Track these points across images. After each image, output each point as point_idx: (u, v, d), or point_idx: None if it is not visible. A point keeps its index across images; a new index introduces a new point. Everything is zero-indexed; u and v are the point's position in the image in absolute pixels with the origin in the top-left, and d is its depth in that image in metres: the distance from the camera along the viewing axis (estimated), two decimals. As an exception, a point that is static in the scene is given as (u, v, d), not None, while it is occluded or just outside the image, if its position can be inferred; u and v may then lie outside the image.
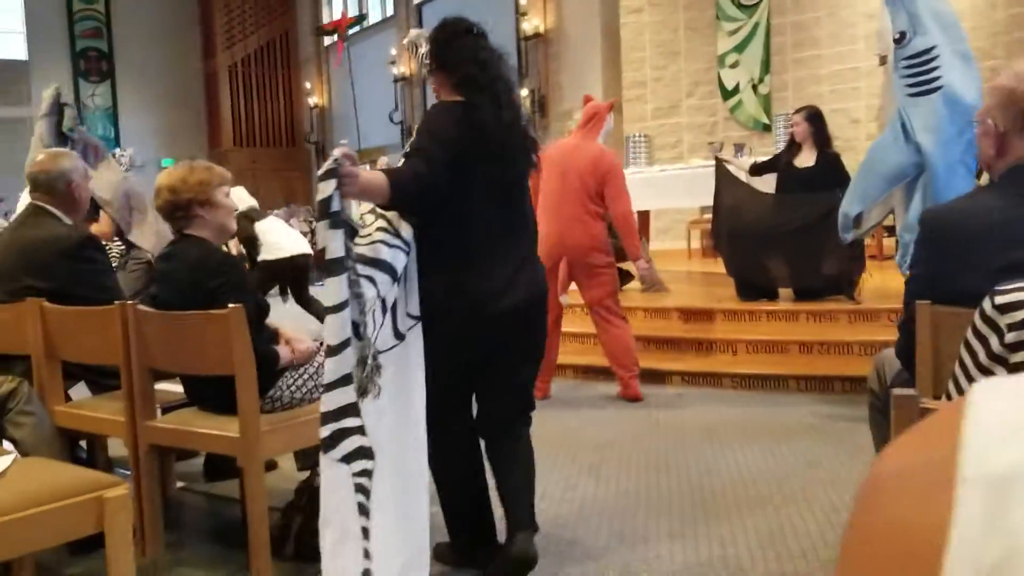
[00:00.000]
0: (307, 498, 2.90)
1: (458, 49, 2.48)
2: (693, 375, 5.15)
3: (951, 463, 0.31)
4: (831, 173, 5.93)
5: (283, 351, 2.77)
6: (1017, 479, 0.30)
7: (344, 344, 2.11)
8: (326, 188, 2.08)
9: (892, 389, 1.13)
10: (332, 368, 2.13)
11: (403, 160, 2.35)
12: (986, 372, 1.24)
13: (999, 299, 1.22)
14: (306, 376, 2.84)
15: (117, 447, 3.40)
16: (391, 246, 2.32)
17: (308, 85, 19.13)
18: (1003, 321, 1.21)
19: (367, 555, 2.19)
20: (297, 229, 14.63)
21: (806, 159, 6.02)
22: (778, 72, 9.96)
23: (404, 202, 2.28)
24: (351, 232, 2.17)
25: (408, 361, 2.39)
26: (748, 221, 5.98)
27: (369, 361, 2.15)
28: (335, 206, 2.08)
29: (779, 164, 6.19)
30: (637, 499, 3.24)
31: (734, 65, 10.15)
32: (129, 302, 2.79)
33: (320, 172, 2.11)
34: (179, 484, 3.52)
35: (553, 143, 5.32)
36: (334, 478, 2.16)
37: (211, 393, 2.73)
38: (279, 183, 17.48)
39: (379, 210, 2.37)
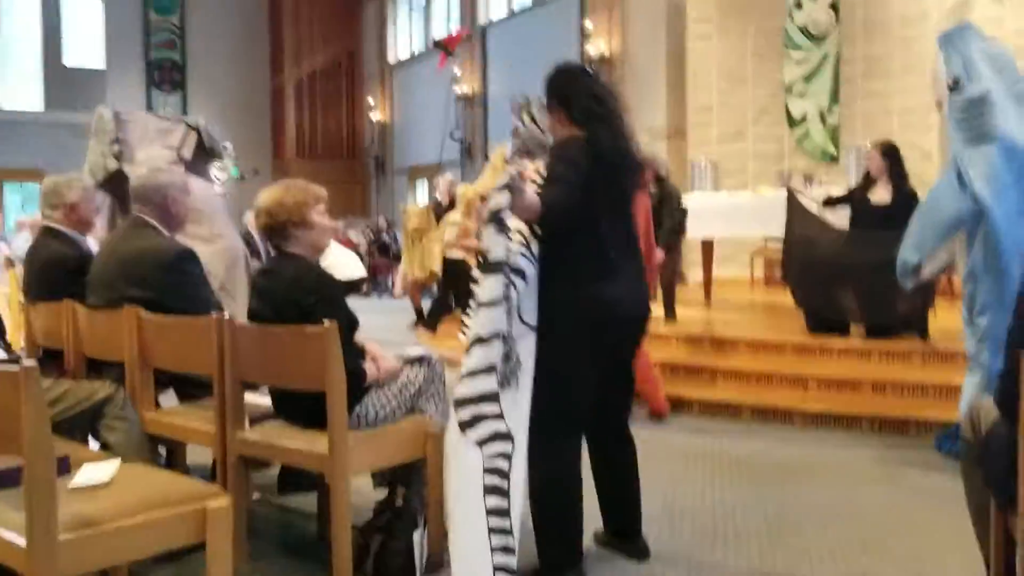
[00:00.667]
0: (387, 518, 2.92)
1: (577, 88, 2.78)
2: (763, 410, 5.07)
3: None
4: (908, 212, 5.80)
5: (370, 368, 2.81)
6: None
7: (493, 336, 2.44)
8: (500, 199, 2.38)
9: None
10: (479, 356, 2.44)
11: (545, 186, 2.59)
12: None
13: None
14: (391, 395, 2.87)
15: (194, 455, 3.46)
16: (527, 258, 2.60)
17: (371, 101, 19.42)
18: None
19: (502, 531, 2.46)
20: (356, 239, 14.86)
21: (882, 195, 5.91)
22: (847, 103, 9.83)
23: (552, 220, 2.54)
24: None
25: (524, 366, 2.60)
26: (821, 254, 5.89)
27: (513, 356, 2.48)
28: (504, 215, 2.40)
29: (853, 198, 6.10)
30: (714, 537, 3.20)
31: (802, 94, 10.05)
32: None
33: (498, 185, 2.39)
34: (255, 496, 3.56)
35: None
36: (468, 460, 2.45)
37: (300, 407, 2.77)
38: (338, 194, 17.64)
39: (517, 224, 2.59)
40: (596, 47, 12.60)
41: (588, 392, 2.69)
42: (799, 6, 9.93)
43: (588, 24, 12.86)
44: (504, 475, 2.47)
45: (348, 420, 2.64)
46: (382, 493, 3.11)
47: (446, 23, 17.68)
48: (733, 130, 10.42)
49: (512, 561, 2.48)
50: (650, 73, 11.70)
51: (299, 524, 3.42)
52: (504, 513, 2.46)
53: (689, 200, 8.34)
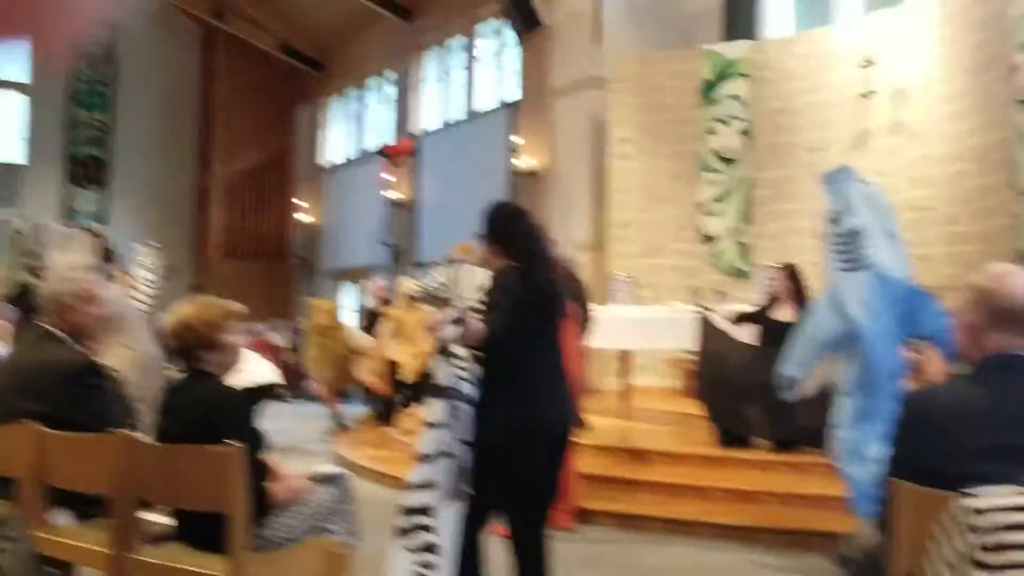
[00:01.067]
0: (287, 643, 2.85)
1: (514, 228, 3.15)
2: (671, 521, 5.14)
3: None
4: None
5: (275, 489, 2.79)
6: None
7: (437, 454, 2.76)
8: (451, 331, 2.78)
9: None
10: (422, 472, 2.78)
11: (487, 314, 2.94)
12: (951, 568, 1.31)
13: (969, 502, 1.31)
14: (295, 514, 2.85)
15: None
16: (469, 382, 2.91)
17: (301, 203, 19.54)
18: (971, 523, 1.30)
19: None
20: (278, 342, 14.66)
21: (786, 313, 6.25)
22: (759, 223, 10.35)
23: (494, 346, 2.88)
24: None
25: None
26: (729, 370, 6.17)
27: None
28: (453, 347, 2.78)
29: (760, 316, 6.41)
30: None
31: (716, 214, 10.55)
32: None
33: (447, 319, 2.80)
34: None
35: None
36: (400, 562, 2.81)
37: (201, 528, 2.72)
38: (263, 296, 17.52)
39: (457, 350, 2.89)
40: (524, 161, 13.05)
41: (499, 498, 3.02)
42: (713, 132, 10.53)
43: (517, 139, 13.35)
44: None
45: (251, 542, 2.62)
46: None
47: (380, 128, 18.11)
48: (651, 246, 10.82)
49: None
50: (575, 188, 12.14)
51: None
52: None
53: (607, 312, 8.60)
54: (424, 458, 2.77)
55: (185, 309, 2.84)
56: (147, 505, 2.89)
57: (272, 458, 3.02)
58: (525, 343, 2.94)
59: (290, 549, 2.78)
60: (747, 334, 6.62)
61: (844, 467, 3.98)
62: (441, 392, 2.81)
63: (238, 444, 2.52)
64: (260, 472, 2.80)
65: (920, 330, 4.06)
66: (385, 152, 15.53)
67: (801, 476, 5.53)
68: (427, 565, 2.78)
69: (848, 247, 4.09)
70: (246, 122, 19.72)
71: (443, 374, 2.83)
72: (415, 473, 2.78)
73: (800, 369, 4.23)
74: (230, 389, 2.82)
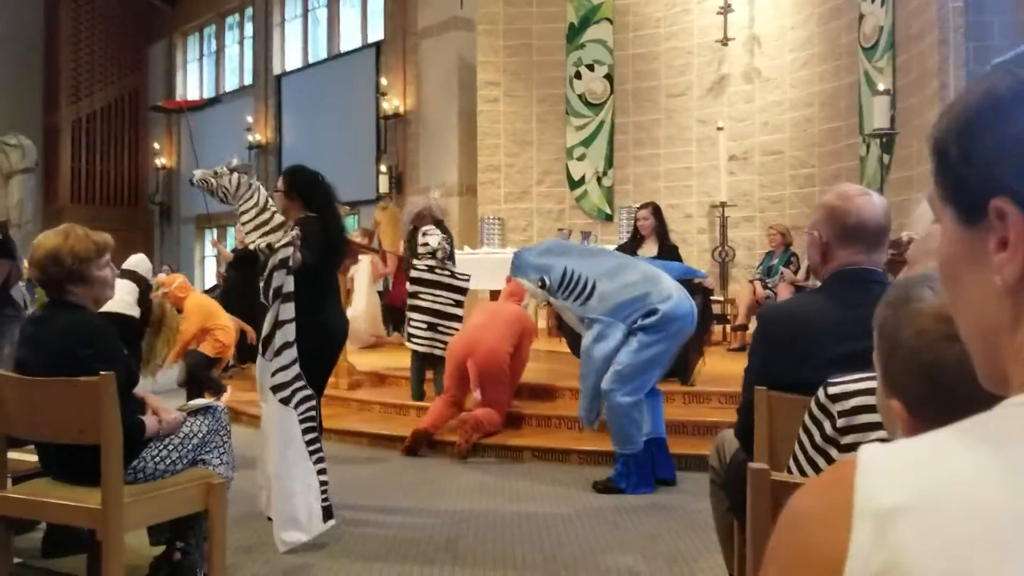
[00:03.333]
0: (164, 574, 2.85)
1: (315, 188, 4.14)
2: (543, 450, 5.35)
3: (849, 502, 0.49)
4: (671, 260, 6.48)
5: (149, 421, 2.75)
6: (894, 512, 0.48)
7: (291, 343, 3.72)
8: (288, 251, 3.68)
9: (749, 464, 1.34)
10: (288, 355, 3.71)
11: (302, 248, 3.75)
12: (821, 452, 1.48)
13: (832, 389, 1.47)
14: (171, 447, 2.82)
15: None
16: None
17: (156, 146, 18.57)
18: (835, 408, 1.46)
19: (323, 472, 3.80)
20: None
21: (649, 249, 6.54)
22: (620, 167, 10.66)
23: (307, 272, 3.82)
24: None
25: None
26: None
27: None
28: (291, 263, 3.69)
29: (624, 252, 6.66)
30: (494, 573, 3.36)
31: (581, 158, 10.78)
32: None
33: (285, 242, 3.70)
34: (16, 560, 3.32)
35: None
36: (288, 421, 3.68)
37: (70, 463, 2.66)
38: (119, 243, 16.62)
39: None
40: (391, 104, 12.87)
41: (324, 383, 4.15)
42: (578, 76, 10.71)
43: (383, 81, 13.12)
44: (315, 420, 3.83)
45: (124, 474, 2.58)
46: (159, 550, 3.03)
47: (238, 68, 17.37)
48: (519, 190, 10.97)
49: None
50: (443, 131, 12.11)
51: (66, 588, 3.23)
52: (321, 451, 3.82)
53: (477, 253, 8.71)
54: (286, 344, 3.71)
55: (52, 240, 2.68)
56: (14, 443, 2.79)
57: (144, 392, 2.97)
58: (324, 272, 4.02)
59: (165, 480, 2.76)
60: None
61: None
62: (287, 297, 3.72)
63: (108, 373, 2.46)
64: (132, 404, 2.75)
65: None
66: (163, 108, 14.91)
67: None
68: (311, 408, 3.78)
69: (571, 290, 4.68)
70: (95, 58, 18.47)
71: (288, 284, 3.72)
72: (282, 357, 3.69)
73: (591, 412, 4.72)
74: (96, 319, 2.73)
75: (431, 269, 6.24)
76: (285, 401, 3.67)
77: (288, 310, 3.69)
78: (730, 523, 2.60)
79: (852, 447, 1.44)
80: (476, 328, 5.81)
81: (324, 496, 3.75)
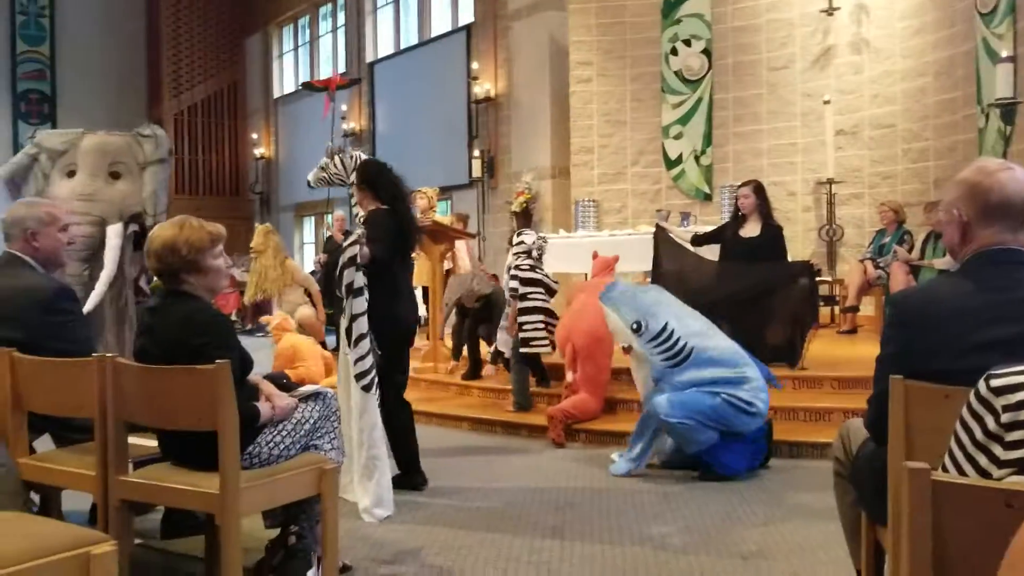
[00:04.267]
0: (280, 558, 2.89)
1: (382, 178, 4.29)
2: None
3: None
4: (774, 244, 6.25)
5: (264, 407, 2.78)
6: None
7: (366, 334, 3.93)
8: (355, 250, 3.93)
9: (906, 463, 1.23)
10: (364, 345, 3.92)
11: (369, 243, 3.98)
12: (983, 449, 1.35)
13: (995, 382, 1.34)
14: (284, 432, 2.85)
15: (69, 503, 3.32)
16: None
17: (255, 136, 19.10)
18: (998, 403, 1.33)
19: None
20: (240, 278, 14.47)
21: (752, 230, 6.31)
22: (720, 144, 10.36)
23: (376, 264, 4.02)
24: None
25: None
26: (693, 287, 6.20)
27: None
28: (359, 260, 3.94)
29: (725, 235, 6.46)
30: (602, 562, 3.30)
31: (678, 136, 10.53)
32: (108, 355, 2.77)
33: (350, 242, 3.97)
34: (137, 541, 3.44)
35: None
36: (372, 405, 3.92)
37: (188, 448, 2.71)
38: (222, 232, 17.33)
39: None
40: (482, 88, 12.85)
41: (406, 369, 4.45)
42: (674, 52, 10.44)
43: (474, 65, 13.11)
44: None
45: (240, 460, 2.61)
46: (273, 533, 3.07)
47: (332, 57, 17.65)
48: (614, 171, 10.80)
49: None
50: (535, 114, 12.01)
51: (185, 568, 3.32)
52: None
53: (573, 238, 8.62)
54: (361, 336, 3.92)
55: (168, 231, 2.73)
56: (133, 429, 2.86)
57: (255, 378, 3.01)
58: (396, 263, 4.20)
59: (280, 465, 2.79)
60: (707, 254, 6.67)
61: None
62: (358, 292, 3.94)
63: (224, 361, 2.49)
64: (247, 391, 2.78)
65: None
66: (309, 85, 15.12)
67: (770, 389, 5.65)
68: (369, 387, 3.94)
69: (664, 346, 4.51)
70: (195, 53, 19.10)
71: (357, 279, 3.93)
72: (360, 348, 3.91)
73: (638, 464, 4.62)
74: (212, 309, 2.77)
75: (532, 268, 6.08)
76: (367, 388, 3.90)
77: (360, 304, 3.93)
78: (856, 516, 2.46)
79: (1018, 444, 1.31)
80: (575, 312, 5.73)
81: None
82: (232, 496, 2.54)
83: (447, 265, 8.37)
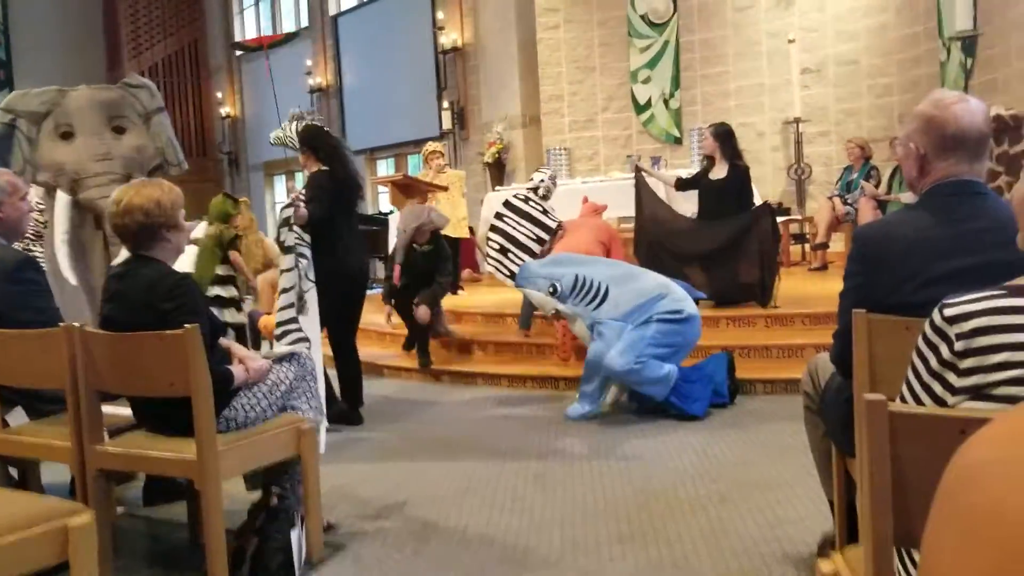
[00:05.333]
0: (263, 519, 2.91)
1: (321, 139, 4.67)
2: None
3: None
4: (741, 185, 6.29)
5: (237, 370, 2.78)
6: None
7: (290, 288, 4.13)
8: (289, 212, 4.23)
9: (865, 396, 1.26)
10: (284, 299, 4.12)
11: (308, 203, 4.31)
12: (937, 377, 1.38)
13: (948, 311, 1.36)
14: (260, 395, 2.85)
15: (48, 475, 3.32)
16: (304, 243, 4.31)
17: (219, 95, 18.73)
18: (952, 331, 1.35)
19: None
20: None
21: (719, 171, 6.35)
22: (687, 87, 10.32)
23: (318, 222, 4.35)
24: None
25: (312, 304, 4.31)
26: (667, 234, 6.32)
27: (304, 298, 4.22)
28: (292, 221, 4.21)
29: (699, 178, 6.50)
30: (584, 506, 3.35)
31: (646, 80, 10.46)
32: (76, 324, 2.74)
33: (284, 205, 4.27)
34: (119, 509, 3.45)
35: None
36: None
37: (163, 415, 2.71)
38: (190, 194, 17.03)
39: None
40: (449, 38, 12.65)
41: (354, 318, 4.81)
42: (640, -5, 10.33)
43: (440, 15, 12.89)
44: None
45: (216, 424, 2.62)
46: (256, 495, 3.09)
47: (294, 11, 17.29)
48: (584, 118, 10.74)
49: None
50: (503, 63, 11.87)
51: (169, 535, 3.34)
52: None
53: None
54: (283, 291, 4.13)
55: (150, 188, 2.71)
56: (106, 398, 2.85)
57: (227, 342, 3.00)
58: (339, 218, 4.51)
59: (257, 428, 2.80)
60: (687, 198, 6.72)
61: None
62: (288, 249, 4.20)
63: (193, 325, 2.48)
64: (219, 355, 2.78)
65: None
66: (242, 45, 14.79)
67: (744, 329, 5.74)
68: (299, 346, 3.94)
69: (583, 295, 4.74)
70: (153, 11, 18.60)
71: (288, 238, 4.20)
72: (282, 299, 4.12)
73: (590, 408, 4.73)
74: (179, 273, 2.75)
75: (527, 199, 6.34)
76: (279, 338, 4.11)
77: (288, 260, 4.21)
78: (827, 448, 2.51)
79: (972, 371, 1.34)
80: (563, 244, 5.90)
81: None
82: (210, 461, 2.54)
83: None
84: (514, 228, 6.23)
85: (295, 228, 4.25)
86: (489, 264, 6.42)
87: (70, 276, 4.42)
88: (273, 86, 14.81)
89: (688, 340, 4.67)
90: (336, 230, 4.50)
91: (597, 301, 4.72)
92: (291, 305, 4.13)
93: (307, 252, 4.31)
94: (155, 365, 2.56)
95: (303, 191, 4.39)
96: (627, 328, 4.59)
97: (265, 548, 2.81)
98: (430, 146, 8.52)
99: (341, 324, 4.65)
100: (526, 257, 6.11)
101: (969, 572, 0.42)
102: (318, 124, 4.73)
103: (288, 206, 4.23)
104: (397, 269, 5.92)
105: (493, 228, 6.35)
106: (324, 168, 4.54)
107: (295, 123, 4.73)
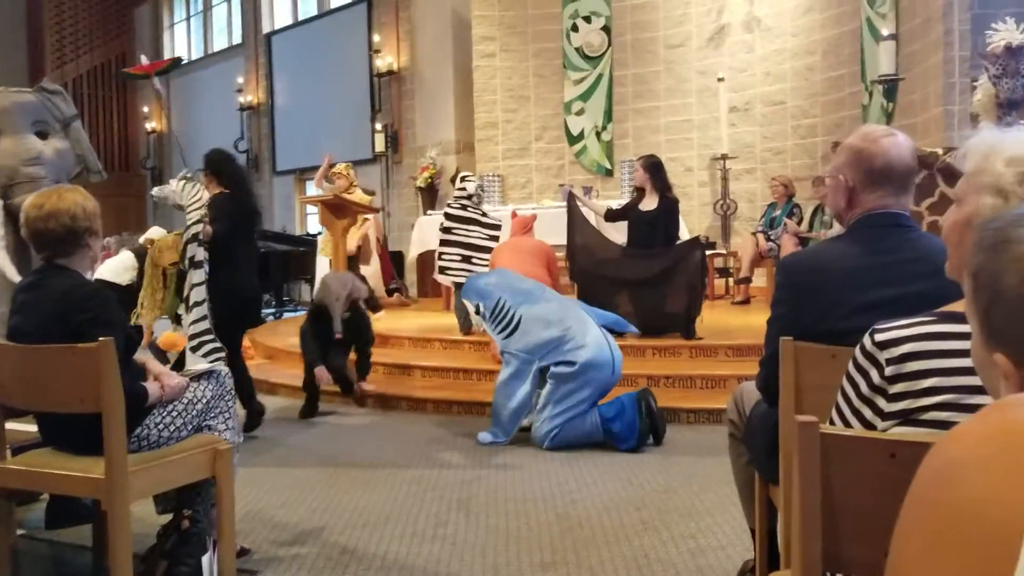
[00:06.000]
0: (173, 542, 2.78)
1: (226, 165, 4.96)
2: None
3: (1018, 449, 0.40)
4: (669, 217, 6.41)
5: (152, 387, 2.66)
6: None
7: (202, 301, 4.47)
8: (197, 228, 4.54)
9: (797, 417, 1.26)
10: (198, 312, 4.45)
11: (212, 223, 4.59)
12: (867, 402, 1.40)
13: (879, 336, 1.38)
14: (175, 413, 2.74)
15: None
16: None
17: (146, 109, 18.29)
18: (882, 356, 1.37)
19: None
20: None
21: (649, 203, 6.45)
22: (620, 120, 10.49)
23: (219, 240, 4.61)
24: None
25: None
26: (599, 262, 6.40)
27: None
28: (201, 237, 4.55)
29: (628, 209, 6.61)
30: (507, 532, 3.31)
31: (579, 112, 10.60)
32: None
33: (194, 220, 4.57)
34: (20, 532, 3.26)
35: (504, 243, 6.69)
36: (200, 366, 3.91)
37: (71, 432, 2.58)
38: (112, 209, 16.53)
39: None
40: (385, 61, 12.62)
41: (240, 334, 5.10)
42: (575, 28, 10.49)
43: (376, 37, 12.85)
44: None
45: (127, 443, 2.50)
46: (166, 519, 2.96)
47: (227, 28, 17.05)
48: (518, 146, 10.81)
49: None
50: (439, 88, 11.89)
51: (73, 559, 3.18)
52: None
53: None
54: (196, 304, 4.44)
55: (71, 195, 2.60)
56: (12, 413, 2.70)
57: (142, 357, 2.89)
58: (236, 241, 4.73)
59: (170, 448, 2.68)
60: (618, 229, 6.82)
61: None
62: (198, 264, 4.50)
63: (107, 339, 2.37)
64: (133, 371, 2.66)
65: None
66: (130, 75, 14.65)
67: (668, 359, 5.80)
68: (219, 359, 4.36)
69: (502, 321, 4.77)
70: (80, 21, 18.09)
71: (199, 253, 4.51)
72: (193, 314, 4.43)
73: (505, 435, 4.72)
74: (91, 283, 2.64)
75: (464, 207, 6.67)
76: (194, 350, 4.36)
77: (199, 275, 4.49)
78: (750, 476, 2.54)
79: (901, 396, 1.36)
80: (510, 263, 5.88)
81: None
82: (119, 481, 2.42)
83: (355, 244, 8.29)
84: (467, 235, 6.59)
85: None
86: (451, 276, 6.74)
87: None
88: (169, 108, 14.71)
89: (600, 385, 4.59)
90: (234, 251, 4.73)
91: (509, 330, 4.75)
92: (204, 317, 4.43)
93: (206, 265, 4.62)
94: (65, 379, 2.44)
95: (206, 212, 4.62)
96: (534, 362, 4.62)
97: (175, 573, 2.69)
98: (336, 167, 8.62)
99: (228, 339, 4.71)
100: (487, 257, 6.58)
101: (944, 570, 0.41)
102: (224, 150, 5.14)
103: (196, 223, 4.51)
104: (338, 336, 5.58)
105: (445, 243, 6.62)
106: (226, 191, 4.81)
107: (183, 183, 4.83)
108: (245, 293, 4.89)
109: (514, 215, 6.91)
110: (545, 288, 5.10)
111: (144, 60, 11.57)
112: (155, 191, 5.17)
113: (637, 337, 5.92)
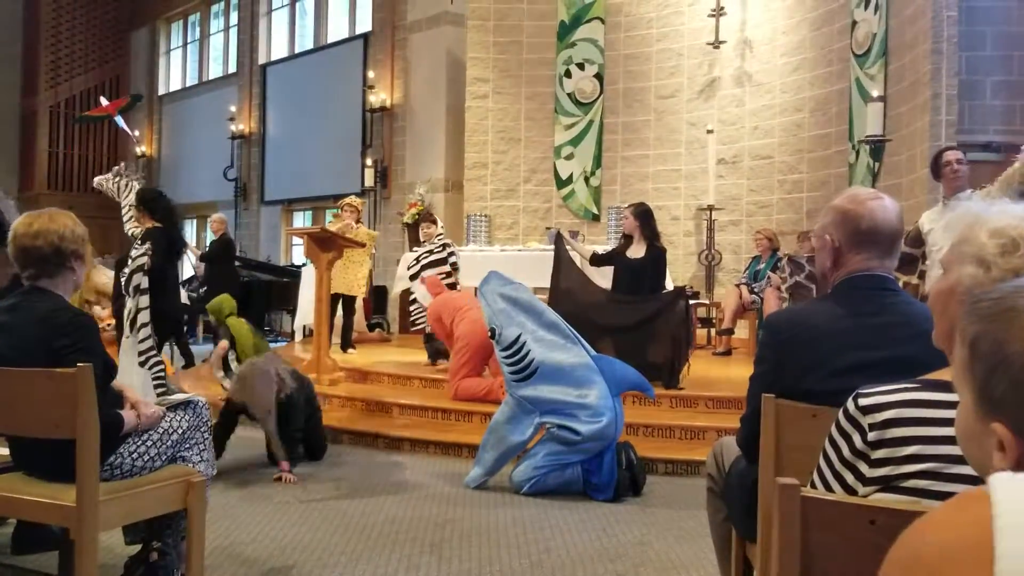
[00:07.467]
0: (140, 574, 2.73)
1: (157, 202, 5.54)
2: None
3: (987, 543, 0.41)
4: (656, 265, 6.45)
5: (128, 415, 2.63)
6: None
7: (147, 324, 5.06)
8: (143, 259, 5.13)
9: (778, 479, 1.26)
10: (144, 331, 5.03)
11: (150, 253, 5.16)
12: (849, 466, 1.40)
13: (863, 400, 1.39)
14: (150, 443, 2.71)
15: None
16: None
17: (137, 134, 18.29)
18: (865, 421, 1.38)
19: None
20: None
21: (637, 251, 6.48)
22: (608, 167, 10.59)
23: (152, 270, 5.16)
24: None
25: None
26: (582, 306, 6.37)
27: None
28: (146, 266, 5.17)
29: (615, 255, 6.63)
30: (481, 577, 3.27)
31: (569, 157, 10.70)
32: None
33: (139, 254, 5.16)
34: (-18, 557, 3.20)
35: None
36: (147, 379, 4.90)
37: (43, 457, 2.54)
38: (98, 231, 16.43)
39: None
40: (378, 97, 12.72)
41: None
42: (568, 74, 10.63)
43: (371, 73, 12.97)
44: (164, 380, 5.06)
45: (100, 471, 2.46)
46: (134, 550, 2.91)
47: (223, 57, 17.16)
48: (506, 187, 10.88)
49: None
50: (430, 126, 11.98)
51: (35, 588, 3.10)
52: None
53: (465, 251, 8.63)
54: (143, 325, 5.03)
55: (61, 217, 2.60)
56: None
57: (120, 384, 2.86)
58: (166, 270, 5.39)
59: (143, 478, 2.64)
60: (602, 274, 6.84)
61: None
62: (145, 291, 5.06)
63: (86, 365, 2.34)
64: (110, 398, 2.63)
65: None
66: (87, 117, 14.87)
67: (648, 408, 5.79)
68: (161, 370, 5.07)
69: (515, 358, 4.60)
70: (75, 44, 18.16)
71: (144, 282, 5.07)
72: (143, 331, 5.02)
73: (486, 473, 4.65)
74: (75, 309, 2.61)
75: (430, 252, 7.51)
76: (142, 364, 4.95)
77: (145, 300, 5.08)
78: (727, 532, 2.52)
79: (883, 462, 1.36)
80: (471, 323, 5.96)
81: None
82: (89, 509, 2.39)
83: (365, 290, 8.62)
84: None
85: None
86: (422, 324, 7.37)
87: None
88: (135, 141, 14.94)
89: (595, 450, 4.49)
90: (166, 278, 5.41)
91: (522, 374, 4.57)
92: (150, 336, 5.08)
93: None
94: (42, 404, 2.41)
95: (150, 246, 5.21)
96: (535, 414, 4.53)
97: (141, 607, 2.64)
98: (349, 199, 8.52)
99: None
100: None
101: None
102: (156, 189, 5.94)
103: (142, 255, 5.12)
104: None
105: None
106: (159, 225, 5.40)
107: (119, 177, 5.99)
108: (175, 315, 5.97)
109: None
110: (568, 334, 4.73)
111: (104, 101, 11.75)
112: (96, 180, 6.06)
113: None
